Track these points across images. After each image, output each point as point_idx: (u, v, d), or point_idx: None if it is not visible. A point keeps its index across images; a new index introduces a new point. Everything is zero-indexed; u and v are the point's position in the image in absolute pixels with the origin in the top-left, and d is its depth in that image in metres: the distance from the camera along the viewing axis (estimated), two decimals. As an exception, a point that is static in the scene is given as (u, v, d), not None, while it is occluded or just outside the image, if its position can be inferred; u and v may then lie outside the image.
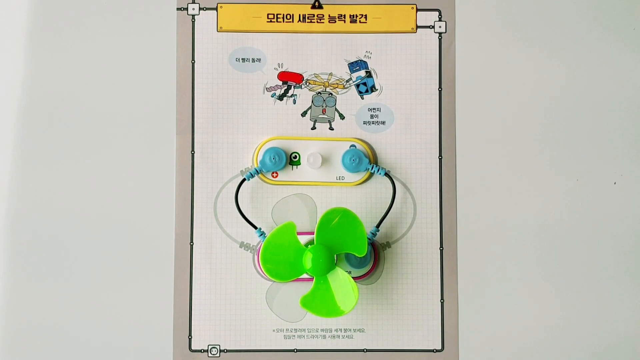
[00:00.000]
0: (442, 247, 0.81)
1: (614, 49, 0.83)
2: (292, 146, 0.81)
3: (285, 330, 0.80)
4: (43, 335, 0.79)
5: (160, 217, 0.80)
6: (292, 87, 0.82)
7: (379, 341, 0.80)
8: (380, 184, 0.81)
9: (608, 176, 0.82)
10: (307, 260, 0.75)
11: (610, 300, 0.81)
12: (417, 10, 0.83)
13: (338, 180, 0.81)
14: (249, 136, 0.82)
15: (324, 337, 0.80)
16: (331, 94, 0.82)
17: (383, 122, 0.82)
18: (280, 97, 0.82)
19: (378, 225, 0.80)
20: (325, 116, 0.82)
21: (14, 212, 0.80)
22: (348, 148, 0.81)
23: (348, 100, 0.82)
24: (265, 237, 0.78)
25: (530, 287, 0.81)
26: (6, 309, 0.80)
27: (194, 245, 0.81)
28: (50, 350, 0.79)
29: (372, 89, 0.83)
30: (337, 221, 0.76)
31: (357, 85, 0.83)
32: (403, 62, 0.83)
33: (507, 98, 0.82)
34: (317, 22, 0.83)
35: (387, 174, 0.81)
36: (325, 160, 0.81)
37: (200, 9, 0.82)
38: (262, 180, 0.81)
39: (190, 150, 0.81)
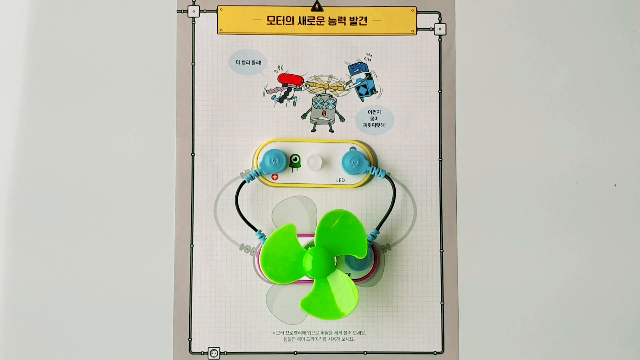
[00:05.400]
0: (442, 249, 0.81)
1: (614, 48, 0.83)
2: (292, 148, 0.81)
3: (285, 333, 0.80)
4: (43, 335, 0.79)
5: (160, 220, 0.80)
6: (292, 89, 0.82)
7: (379, 343, 0.80)
8: (381, 186, 0.81)
9: (608, 178, 0.82)
10: (307, 262, 0.75)
11: (611, 298, 0.81)
12: (417, 12, 0.83)
13: (338, 183, 0.81)
14: (249, 138, 0.82)
15: (324, 339, 0.80)
16: (331, 96, 0.82)
17: (383, 125, 0.82)
18: (281, 100, 0.82)
19: (378, 228, 0.80)
20: (326, 118, 0.82)
21: (13, 216, 0.80)
22: (348, 150, 0.81)
23: (348, 102, 0.82)
24: (265, 239, 0.78)
25: (530, 289, 0.81)
26: (6, 316, 0.80)
27: (194, 248, 0.81)
28: (51, 351, 0.79)
29: (372, 91, 0.83)
30: (337, 223, 0.76)
31: (357, 88, 0.83)
32: (403, 65, 0.83)
33: (507, 99, 0.82)
34: (317, 24, 0.83)
35: (387, 176, 0.81)
36: (326, 163, 0.81)
37: (200, 11, 0.82)
38: (262, 182, 0.81)
39: (191, 152, 0.81)
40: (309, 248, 0.76)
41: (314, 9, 0.83)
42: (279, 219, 0.81)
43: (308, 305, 0.75)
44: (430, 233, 0.81)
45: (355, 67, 0.83)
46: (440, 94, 0.82)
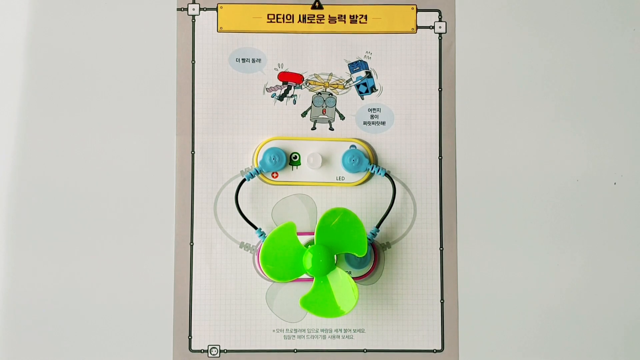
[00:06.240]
0: (442, 247, 0.81)
1: (614, 46, 0.83)
2: (292, 146, 0.81)
3: (285, 331, 0.80)
4: (44, 331, 0.79)
5: (160, 218, 0.80)
6: (292, 87, 0.82)
7: (379, 341, 0.80)
8: (380, 184, 0.82)
9: (607, 176, 0.82)
10: (307, 260, 0.75)
11: (610, 296, 0.81)
12: (417, 10, 0.83)
13: (338, 181, 0.81)
14: (249, 136, 0.82)
15: (324, 337, 0.80)
16: (331, 94, 0.82)
17: (383, 123, 0.82)
18: (281, 98, 0.82)
19: (378, 226, 0.80)
20: (326, 116, 0.82)
21: (13, 212, 0.80)
22: (348, 148, 0.81)
23: (348, 100, 0.82)
24: (265, 237, 0.78)
25: (530, 288, 0.81)
26: (6, 312, 0.80)
27: (194, 246, 0.81)
28: (50, 350, 0.79)
29: (372, 89, 0.83)
30: (337, 221, 0.76)
31: (357, 86, 0.83)
32: (403, 63, 0.83)
33: (507, 97, 0.82)
34: (317, 22, 0.83)
35: (387, 174, 0.81)
36: (326, 161, 0.81)
37: (200, 9, 0.82)
38: (262, 180, 0.81)
39: (191, 150, 0.81)
40: (309, 246, 0.76)
41: (314, 7, 0.83)
42: (279, 217, 0.81)
43: (308, 303, 0.75)
44: (430, 231, 0.81)
45: (355, 65, 0.83)
46: (440, 92, 0.82)
